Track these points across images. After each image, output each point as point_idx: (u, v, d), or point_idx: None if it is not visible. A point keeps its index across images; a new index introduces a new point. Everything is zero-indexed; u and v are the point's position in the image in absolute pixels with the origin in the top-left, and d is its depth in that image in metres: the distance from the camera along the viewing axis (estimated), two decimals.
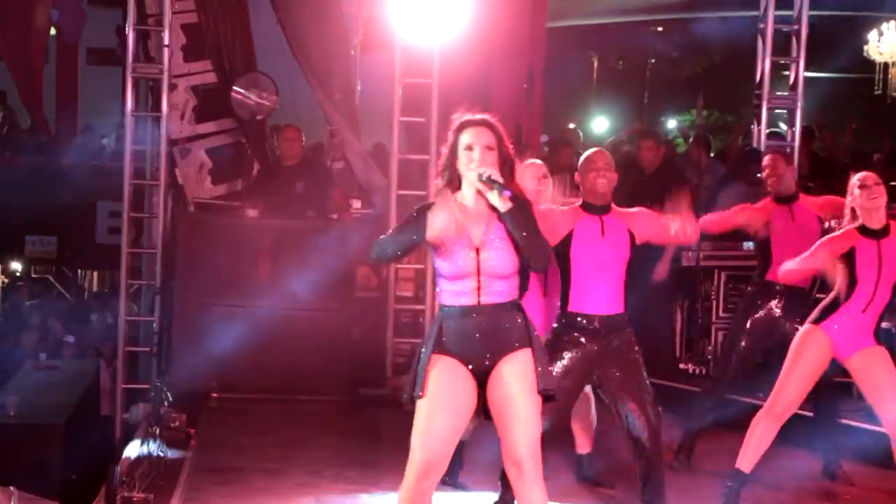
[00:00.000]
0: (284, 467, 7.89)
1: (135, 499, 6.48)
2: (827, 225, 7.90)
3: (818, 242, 6.97)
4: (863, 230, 6.78)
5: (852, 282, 6.79)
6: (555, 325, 6.63)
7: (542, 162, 7.27)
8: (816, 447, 8.11)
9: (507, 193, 4.98)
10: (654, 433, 6.48)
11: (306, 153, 11.65)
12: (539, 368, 5.08)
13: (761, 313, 7.94)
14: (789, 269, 6.95)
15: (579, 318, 6.56)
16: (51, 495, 8.27)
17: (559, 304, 6.64)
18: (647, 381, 6.51)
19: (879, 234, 6.76)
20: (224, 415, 9.51)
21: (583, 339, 6.52)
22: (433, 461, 5.04)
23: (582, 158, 6.69)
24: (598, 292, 6.57)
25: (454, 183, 5.18)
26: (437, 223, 5.00)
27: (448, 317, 5.13)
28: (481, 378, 5.11)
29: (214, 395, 9.89)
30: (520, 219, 5.03)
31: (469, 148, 5.08)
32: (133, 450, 8.03)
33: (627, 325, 6.60)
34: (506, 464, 5.10)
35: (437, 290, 5.30)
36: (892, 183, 12.53)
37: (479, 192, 5.08)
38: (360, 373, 10.50)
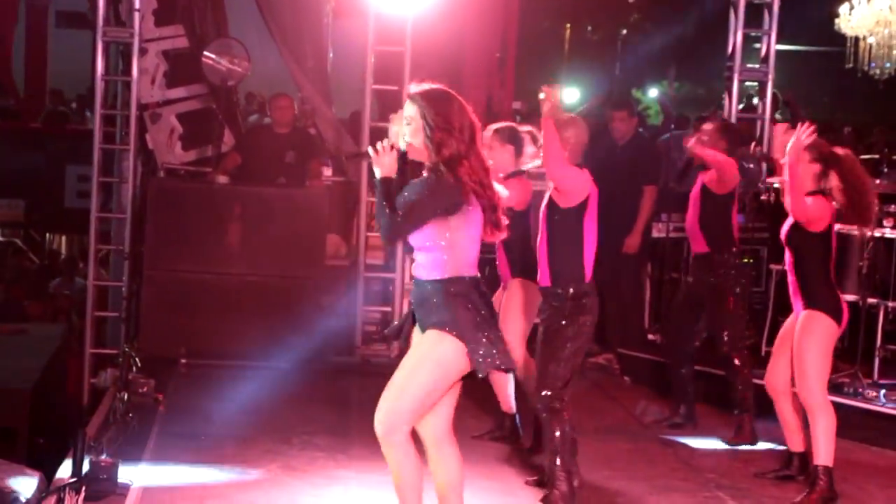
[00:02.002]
0: (253, 434, 7.90)
1: (102, 464, 6.46)
2: None
3: None
4: None
5: None
6: None
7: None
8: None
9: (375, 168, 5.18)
10: None
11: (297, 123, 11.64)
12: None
13: None
14: None
15: None
16: (18, 460, 8.23)
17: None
18: None
19: None
20: (192, 381, 9.48)
21: None
22: None
23: None
24: None
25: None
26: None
27: None
28: None
29: (183, 361, 9.85)
30: (379, 191, 5.17)
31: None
32: (101, 414, 8.02)
33: None
34: None
35: None
36: (863, 156, 12.62)
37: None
38: (330, 341, 10.48)
